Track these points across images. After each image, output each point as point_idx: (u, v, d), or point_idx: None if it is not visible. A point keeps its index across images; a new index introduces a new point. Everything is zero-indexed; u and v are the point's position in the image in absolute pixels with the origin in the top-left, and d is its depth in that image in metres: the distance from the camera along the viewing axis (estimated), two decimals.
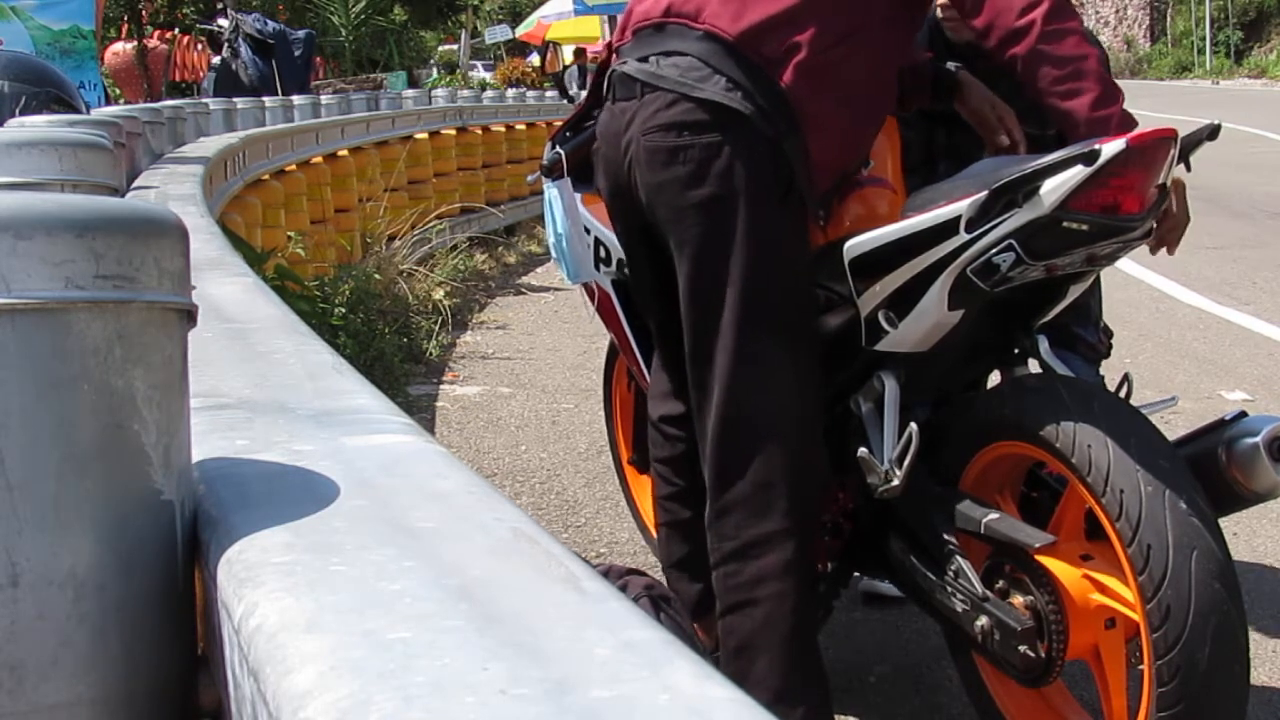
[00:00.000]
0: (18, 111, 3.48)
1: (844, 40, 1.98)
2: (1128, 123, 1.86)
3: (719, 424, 2.04)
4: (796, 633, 2.05)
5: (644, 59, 2.05)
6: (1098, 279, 2.53)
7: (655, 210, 2.04)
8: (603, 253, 2.58)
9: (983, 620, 1.99)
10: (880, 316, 2.06)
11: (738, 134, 1.96)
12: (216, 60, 12.69)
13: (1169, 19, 41.74)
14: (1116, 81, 1.95)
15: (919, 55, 2.33)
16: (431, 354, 5.86)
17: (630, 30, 2.12)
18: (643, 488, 3.06)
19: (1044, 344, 2.15)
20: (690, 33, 1.99)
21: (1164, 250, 2.08)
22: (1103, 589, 1.90)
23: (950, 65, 2.33)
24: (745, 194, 1.97)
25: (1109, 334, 2.80)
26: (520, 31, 22.42)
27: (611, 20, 17.95)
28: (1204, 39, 37.63)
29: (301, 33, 12.87)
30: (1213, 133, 1.98)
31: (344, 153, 7.29)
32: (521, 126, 10.47)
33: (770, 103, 1.95)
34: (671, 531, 2.42)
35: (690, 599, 2.35)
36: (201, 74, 14.58)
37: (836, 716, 2.50)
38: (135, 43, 15.30)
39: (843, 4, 1.98)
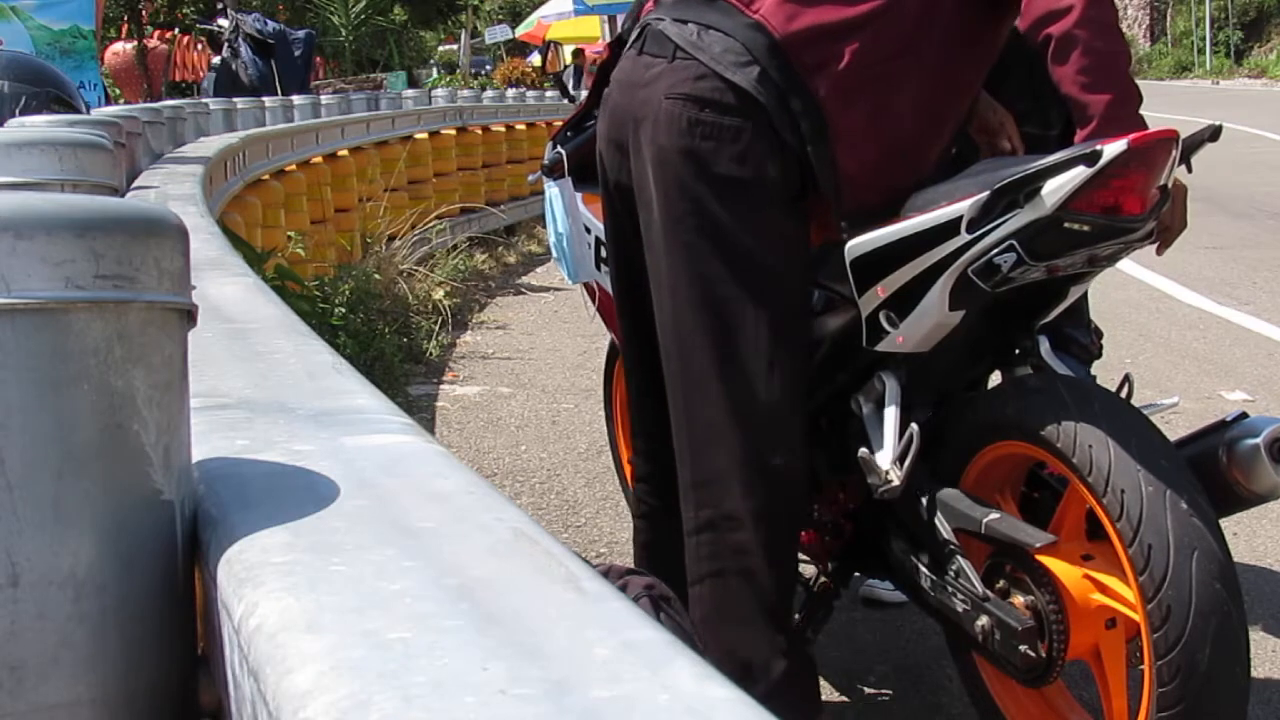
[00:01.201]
0: (18, 111, 3.48)
1: (893, 59, 1.97)
2: (1139, 125, 1.85)
3: (705, 394, 2.03)
4: (768, 608, 2.04)
5: (684, 22, 2.03)
6: None
7: (658, 174, 2.01)
8: (603, 252, 2.58)
9: (983, 620, 1.99)
10: (881, 317, 2.06)
11: (758, 126, 1.96)
12: (216, 60, 12.69)
13: (1169, 19, 41.73)
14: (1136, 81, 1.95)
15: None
16: (431, 354, 5.86)
17: None
18: None
19: (1044, 344, 2.15)
20: (740, 16, 1.98)
21: (1154, 248, 2.07)
22: (1103, 589, 1.90)
23: None
24: (754, 184, 1.97)
25: (1099, 334, 2.80)
26: (520, 31, 22.41)
27: (611, 20, 17.94)
28: (1204, 39, 37.62)
29: (301, 33, 12.88)
30: (1214, 134, 1.98)
31: (344, 153, 7.28)
32: (521, 126, 10.47)
33: (799, 108, 1.95)
34: (649, 552, 2.41)
35: None
36: (201, 74, 14.58)
37: (836, 717, 2.50)
38: (135, 43, 15.31)
39: (900, 23, 1.96)
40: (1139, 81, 1.94)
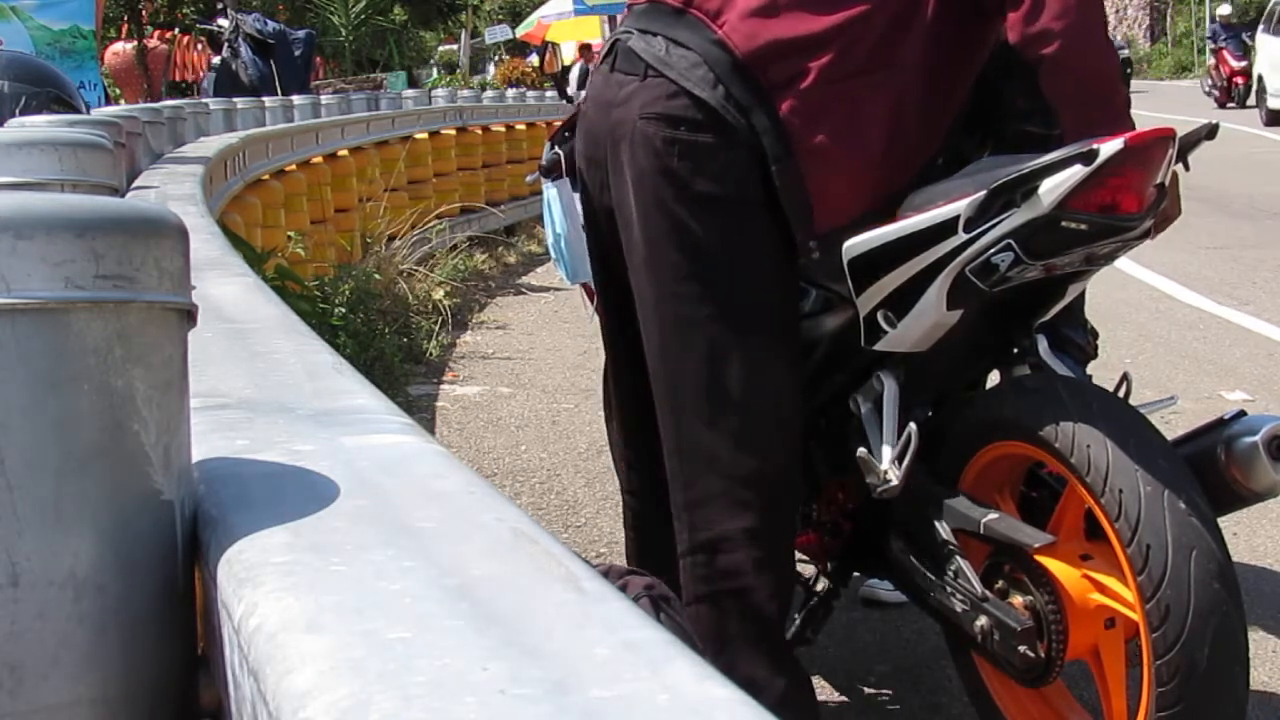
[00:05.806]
0: (18, 111, 3.47)
1: (862, 73, 1.94)
2: (1128, 125, 1.87)
3: (694, 416, 2.02)
4: (768, 626, 2.04)
5: (652, 34, 2.02)
6: None
7: (637, 194, 2.00)
8: None
9: (982, 620, 1.99)
10: (879, 316, 2.06)
11: (730, 140, 1.95)
12: (216, 60, 12.68)
13: (1169, 19, 41.73)
14: (1125, 89, 1.97)
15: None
16: (431, 354, 5.86)
17: None
18: None
19: (1043, 344, 2.15)
20: (705, 32, 1.97)
21: (1158, 247, 2.08)
22: (1102, 589, 1.90)
23: None
24: (733, 200, 1.97)
25: (1095, 335, 2.80)
26: (520, 31, 22.38)
27: (612, 20, 17.89)
28: (1204, 39, 37.61)
29: (301, 33, 12.86)
30: (1210, 132, 1.98)
31: (344, 153, 7.28)
32: (521, 126, 10.47)
33: (764, 126, 1.93)
34: (645, 562, 2.42)
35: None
36: (201, 74, 14.56)
37: (836, 717, 2.51)
38: (135, 43, 15.30)
39: (869, 36, 1.93)
40: (1137, 81, 1.96)
